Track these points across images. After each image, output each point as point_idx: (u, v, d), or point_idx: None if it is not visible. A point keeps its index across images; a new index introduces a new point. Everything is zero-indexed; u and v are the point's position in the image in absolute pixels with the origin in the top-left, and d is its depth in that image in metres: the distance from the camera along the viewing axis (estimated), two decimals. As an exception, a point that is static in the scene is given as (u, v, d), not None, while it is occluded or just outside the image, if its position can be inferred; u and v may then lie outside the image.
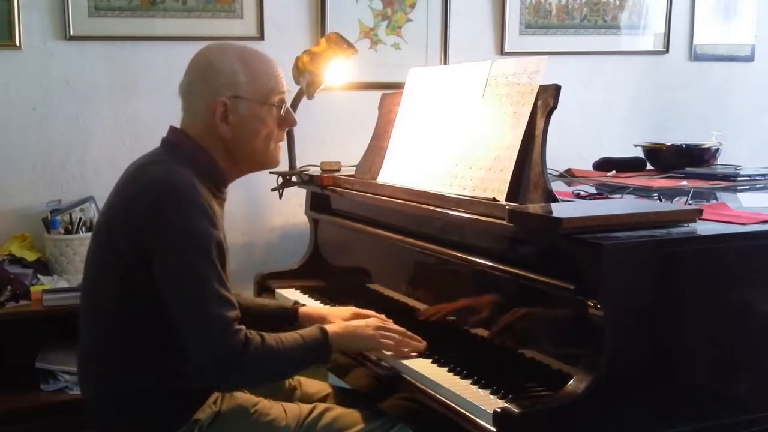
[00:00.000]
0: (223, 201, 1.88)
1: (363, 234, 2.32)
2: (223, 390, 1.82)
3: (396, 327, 1.91)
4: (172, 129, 1.89)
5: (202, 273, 1.67)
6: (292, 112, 1.93)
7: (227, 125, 1.82)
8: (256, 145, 1.86)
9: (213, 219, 1.73)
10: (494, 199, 1.80)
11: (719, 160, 2.81)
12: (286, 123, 1.92)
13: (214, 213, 1.75)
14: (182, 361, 1.77)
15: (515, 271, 1.70)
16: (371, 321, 1.92)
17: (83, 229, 2.68)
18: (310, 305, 2.20)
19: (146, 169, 1.80)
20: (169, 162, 1.79)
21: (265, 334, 1.72)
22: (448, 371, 1.77)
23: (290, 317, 2.09)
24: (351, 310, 2.05)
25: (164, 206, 1.69)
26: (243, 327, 1.69)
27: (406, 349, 1.87)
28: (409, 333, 1.91)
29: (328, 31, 2.96)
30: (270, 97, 1.86)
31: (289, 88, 1.94)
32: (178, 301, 1.68)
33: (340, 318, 2.00)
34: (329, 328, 1.83)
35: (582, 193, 2.17)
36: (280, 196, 2.68)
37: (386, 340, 1.87)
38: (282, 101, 1.89)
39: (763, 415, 1.66)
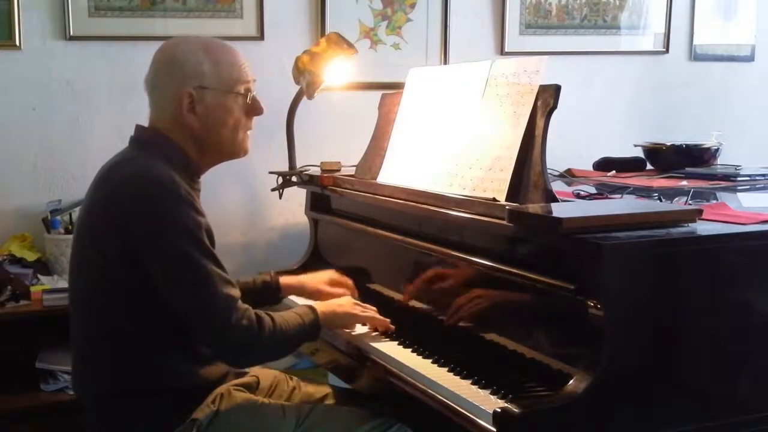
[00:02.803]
0: (198, 192, 1.89)
1: (363, 234, 2.32)
2: (238, 367, 1.89)
3: (369, 306, 2.04)
4: (140, 127, 1.90)
5: (200, 259, 1.69)
6: (259, 100, 1.93)
7: (194, 115, 1.83)
8: (224, 134, 1.88)
9: (197, 207, 1.76)
10: (494, 199, 1.80)
11: (719, 160, 2.81)
12: (253, 111, 1.92)
13: (197, 202, 1.77)
14: (179, 359, 1.79)
15: (515, 271, 1.70)
16: (348, 299, 2.05)
17: (83, 229, 2.68)
18: (288, 276, 2.28)
19: (122, 166, 1.80)
20: (143, 157, 1.80)
21: (272, 314, 1.79)
22: (448, 371, 1.77)
23: (274, 290, 2.17)
24: (328, 274, 2.21)
25: (148, 201, 1.70)
26: (248, 306, 1.74)
27: (379, 327, 2.00)
28: (378, 313, 2.03)
29: (328, 31, 2.96)
30: (235, 86, 1.87)
31: (255, 77, 1.93)
32: (182, 291, 1.69)
33: (319, 283, 2.18)
34: (318, 307, 1.92)
35: (582, 193, 2.17)
36: (280, 196, 2.68)
37: (363, 314, 1.99)
38: (248, 90, 1.90)
39: (763, 415, 1.66)
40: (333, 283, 2.19)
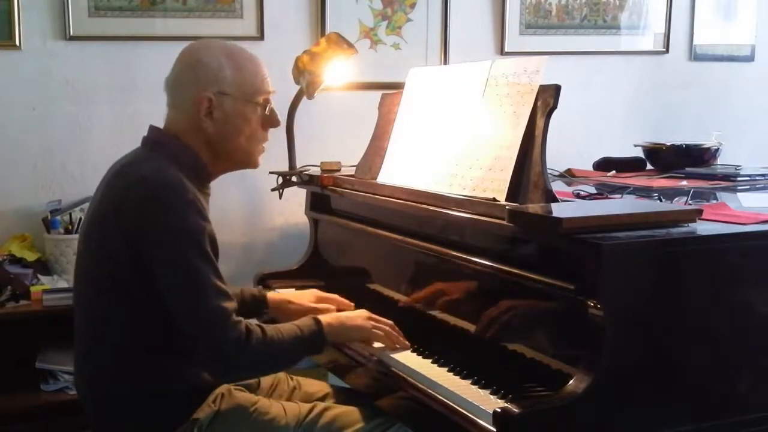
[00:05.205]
0: (208, 196, 1.89)
1: (363, 234, 2.32)
2: (226, 381, 1.85)
3: (384, 320, 1.95)
4: (153, 128, 1.89)
5: (198, 267, 1.68)
6: (276, 113, 1.94)
7: (211, 121, 1.83)
8: (239, 142, 1.87)
9: (204, 213, 1.75)
10: (494, 199, 1.80)
11: (719, 160, 2.81)
12: (270, 123, 1.93)
13: (204, 207, 1.77)
14: (180, 361, 1.78)
15: (515, 271, 1.70)
16: (362, 312, 1.96)
17: (83, 229, 2.68)
18: (277, 291, 2.25)
19: (132, 167, 1.80)
20: (154, 160, 1.80)
21: (264, 325, 1.76)
22: (448, 371, 1.77)
23: (261, 304, 2.14)
24: (314, 293, 2.15)
25: (156, 203, 1.69)
26: (242, 318, 1.71)
27: (396, 344, 1.91)
28: (395, 327, 1.94)
29: (328, 31, 2.96)
30: (255, 96, 1.87)
31: (275, 90, 1.94)
32: (177, 297, 1.69)
33: (304, 301, 2.11)
34: (323, 319, 1.86)
35: (582, 193, 2.17)
36: (280, 196, 2.68)
37: (377, 331, 1.91)
38: (267, 101, 1.90)
39: (763, 415, 1.66)
40: (319, 301, 2.13)
